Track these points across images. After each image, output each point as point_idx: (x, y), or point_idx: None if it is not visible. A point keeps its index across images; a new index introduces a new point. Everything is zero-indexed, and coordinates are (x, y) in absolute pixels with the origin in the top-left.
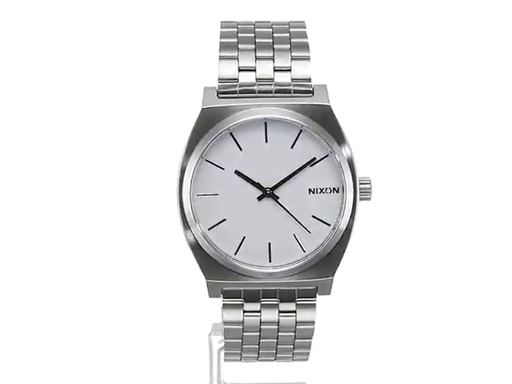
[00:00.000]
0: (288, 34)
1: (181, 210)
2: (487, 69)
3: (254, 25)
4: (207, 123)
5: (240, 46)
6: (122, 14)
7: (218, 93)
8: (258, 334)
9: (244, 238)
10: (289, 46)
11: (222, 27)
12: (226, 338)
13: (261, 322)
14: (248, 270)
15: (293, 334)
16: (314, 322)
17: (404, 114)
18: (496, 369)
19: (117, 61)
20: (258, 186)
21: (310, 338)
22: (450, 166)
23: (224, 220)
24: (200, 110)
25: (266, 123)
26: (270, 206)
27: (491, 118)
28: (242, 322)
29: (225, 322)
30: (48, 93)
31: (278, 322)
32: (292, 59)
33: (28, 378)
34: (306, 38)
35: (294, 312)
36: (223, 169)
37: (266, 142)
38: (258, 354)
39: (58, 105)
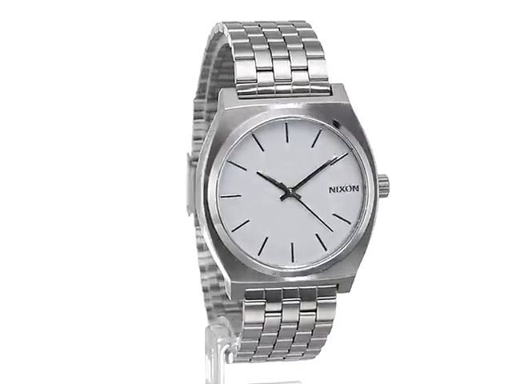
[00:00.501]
0: (296, 34)
1: (206, 212)
2: (498, 66)
3: (258, 25)
4: (230, 125)
5: (254, 47)
6: (122, 13)
7: (238, 94)
8: (276, 334)
9: (267, 238)
10: (302, 46)
11: (228, 28)
12: (243, 339)
13: (281, 321)
14: (272, 271)
15: (310, 332)
16: (332, 320)
17: (403, 113)
18: (498, 371)
19: (117, 60)
20: (280, 186)
21: (326, 337)
22: (454, 162)
23: (247, 221)
24: (222, 111)
25: (286, 123)
26: (292, 206)
27: (506, 118)
28: (263, 323)
29: (246, 324)
30: (49, 93)
31: (298, 321)
32: (308, 58)
33: (26, 377)
34: (317, 37)
35: (315, 311)
36: (245, 170)
37: (287, 141)
38: (270, 354)
39: (60, 105)
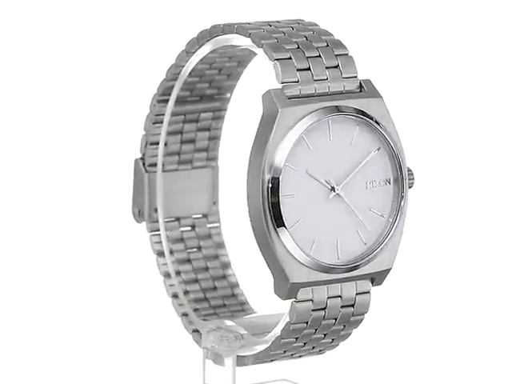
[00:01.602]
0: (312, 32)
1: (276, 212)
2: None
3: (269, 25)
4: (286, 127)
5: (286, 47)
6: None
7: (287, 96)
8: (314, 330)
9: (316, 236)
10: (325, 44)
11: (250, 29)
12: (284, 338)
13: (323, 318)
14: (324, 268)
15: (343, 326)
16: (365, 314)
17: (403, 112)
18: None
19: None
20: (326, 184)
21: (353, 330)
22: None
23: (300, 220)
24: (279, 112)
25: (328, 122)
26: (336, 203)
27: None
28: (307, 322)
29: (293, 323)
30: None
31: (337, 317)
32: (336, 56)
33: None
34: (333, 35)
35: (353, 306)
36: (296, 170)
37: (330, 140)
38: (299, 351)
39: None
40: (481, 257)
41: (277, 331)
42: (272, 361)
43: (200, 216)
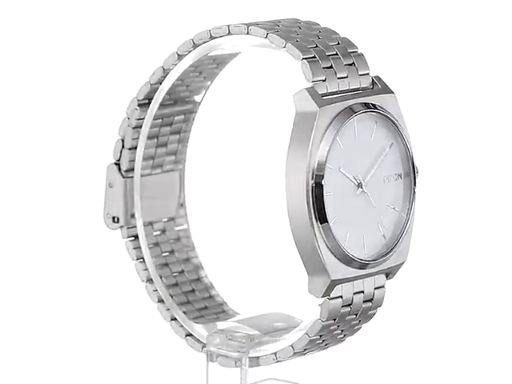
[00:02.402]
0: (319, 31)
1: (321, 210)
2: None
3: (277, 24)
4: (324, 125)
5: (308, 46)
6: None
7: (320, 95)
8: (337, 326)
9: (348, 232)
10: (337, 42)
11: (267, 29)
12: (314, 336)
13: (348, 313)
14: (358, 264)
15: (359, 320)
16: (378, 308)
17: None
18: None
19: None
20: (355, 180)
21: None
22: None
23: (335, 217)
24: (318, 111)
25: (354, 119)
26: (362, 199)
27: None
28: (335, 318)
29: (323, 320)
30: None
31: (358, 312)
32: (350, 54)
33: None
34: (339, 33)
35: (371, 300)
36: (332, 168)
37: (355, 137)
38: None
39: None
40: (482, 253)
41: (302, 329)
42: (290, 359)
43: (168, 219)
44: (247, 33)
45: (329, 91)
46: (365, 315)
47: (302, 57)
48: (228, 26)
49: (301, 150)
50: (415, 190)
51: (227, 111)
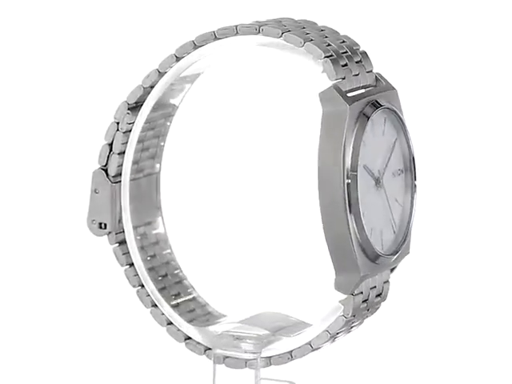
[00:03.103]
0: (323, 30)
1: (355, 207)
2: None
3: (284, 25)
4: (353, 122)
5: (322, 46)
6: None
7: (345, 92)
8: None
9: (372, 228)
10: (342, 41)
11: (282, 29)
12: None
13: (365, 308)
14: (384, 260)
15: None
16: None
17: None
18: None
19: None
20: (374, 176)
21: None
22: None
23: (363, 213)
24: (348, 108)
25: (368, 117)
26: (379, 194)
27: None
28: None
29: (346, 315)
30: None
31: (368, 305)
32: (357, 51)
33: None
34: (339, 32)
35: (380, 295)
36: (359, 165)
37: (373, 134)
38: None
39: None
40: (481, 248)
41: (323, 326)
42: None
43: (146, 223)
44: (258, 32)
45: (347, 89)
46: (373, 309)
47: (324, 55)
48: (236, 26)
49: (332, 147)
50: (416, 184)
51: (205, 114)
